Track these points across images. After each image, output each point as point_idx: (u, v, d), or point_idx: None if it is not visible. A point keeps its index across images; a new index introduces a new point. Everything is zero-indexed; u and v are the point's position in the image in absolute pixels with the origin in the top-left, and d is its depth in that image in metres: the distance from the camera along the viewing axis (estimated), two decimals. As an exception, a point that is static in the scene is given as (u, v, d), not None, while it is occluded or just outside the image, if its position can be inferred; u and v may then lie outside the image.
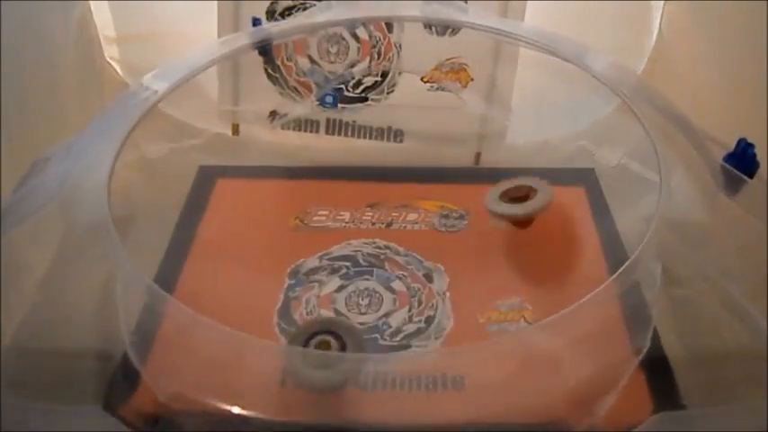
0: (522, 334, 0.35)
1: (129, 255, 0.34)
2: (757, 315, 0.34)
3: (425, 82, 0.49)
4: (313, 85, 0.50)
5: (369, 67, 0.49)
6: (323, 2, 0.47)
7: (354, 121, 0.50)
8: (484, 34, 0.46)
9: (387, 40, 0.48)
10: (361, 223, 0.46)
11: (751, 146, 0.37)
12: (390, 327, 0.39)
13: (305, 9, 0.47)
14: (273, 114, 0.50)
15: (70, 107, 0.49)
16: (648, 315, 0.33)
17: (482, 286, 0.41)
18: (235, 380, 0.31)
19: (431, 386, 0.34)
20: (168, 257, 0.43)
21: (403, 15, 0.47)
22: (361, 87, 0.50)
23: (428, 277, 0.42)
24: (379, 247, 0.44)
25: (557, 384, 0.31)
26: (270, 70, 0.49)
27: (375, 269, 0.42)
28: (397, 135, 0.50)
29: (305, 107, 0.50)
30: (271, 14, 0.48)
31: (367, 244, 0.44)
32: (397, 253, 0.43)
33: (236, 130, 0.52)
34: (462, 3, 0.46)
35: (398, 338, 0.38)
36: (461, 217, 0.46)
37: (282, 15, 0.48)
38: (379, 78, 0.49)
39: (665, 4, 0.53)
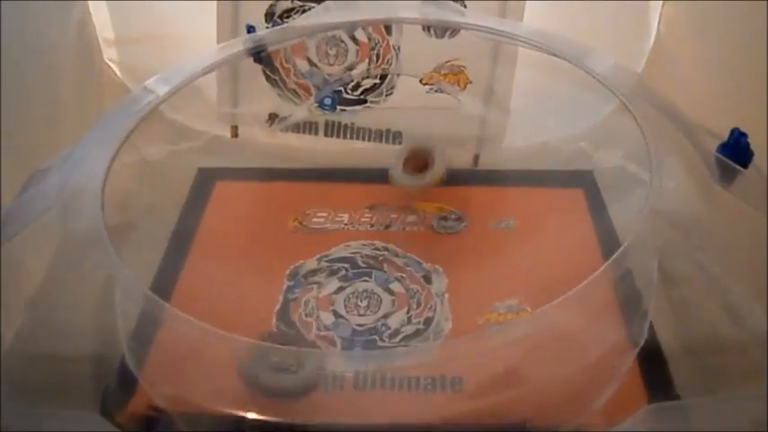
0: (519, 323, 0.35)
1: (127, 258, 0.34)
2: (754, 306, 0.35)
3: (424, 84, 0.49)
4: (312, 88, 0.50)
5: (367, 69, 0.49)
6: (321, 4, 0.47)
7: (353, 124, 0.50)
8: (482, 36, 0.46)
9: (385, 42, 0.49)
10: (359, 225, 0.46)
11: (744, 135, 0.37)
12: (389, 328, 0.39)
13: (304, 11, 0.48)
14: (272, 117, 0.51)
15: (69, 110, 0.49)
16: (644, 309, 0.33)
17: (481, 288, 0.41)
18: (232, 383, 0.31)
19: (429, 386, 0.34)
20: (167, 260, 0.43)
21: (401, 17, 0.47)
22: (360, 89, 0.50)
23: (427, 279, 0.42)
24: (378, 249, 0.44)
25: (554, 376, 0.32)
26: (268, 73, 0.50)
27: (374, 271, 0.43)
28: (396, 137, 0.50)
29: (304, 109, 0.50)
30: (269, 17, 0.49)
31: (366, 246, 0.44)
32: (396, 254, 0.44)
33: (235, 132, 0.52)
34: (460, 6, 0.47)
35: (397, 340, 0.39)
36: (460, 219, 0.46)
37: (281, 18, 0.48)
38: (377, 81, 0.50)
39: (663, 5, 0.53)
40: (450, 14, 0.46)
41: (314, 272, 0.42)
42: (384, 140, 0.50)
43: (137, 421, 0.33)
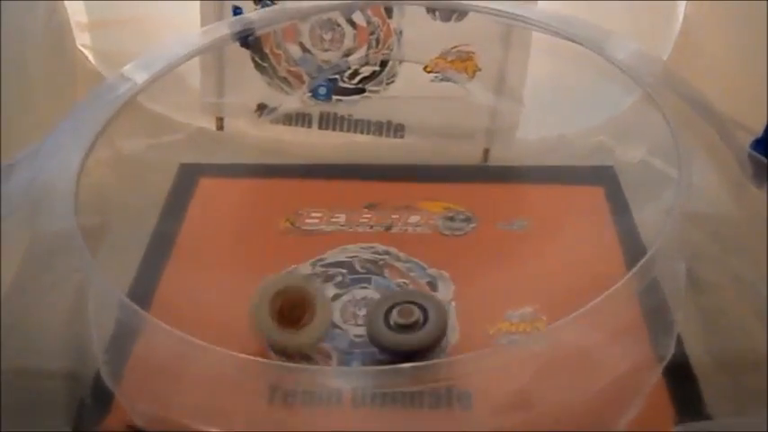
0: (534, 339, 0.35)
1: (103, 263, 0.34)
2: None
3: (429, 72, 0.49)
4: (305, 76, 0.50)
5: (366, 55, 0.49)
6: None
7: (350, 115, 0.51)
8: (493, 19, 0.46)
9: (386, 25, 0.48)
10: (357, 226, 0.46)
11: (781, 130, 0.37)
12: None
13: (295, -9, 0.48)
14: (261, 107, 0.51)
15: (38, 100, 0.49)
16: (671, 319, 0.33)
17: (491, 295, 0.41)
18: (218, 400, 0.31)
19: (434, 402, 0.35)
20: (145, 265, 0.43)
21: (404, -2, 0.47)
22: (358, 78, 0.50)
23: (432, 285, 0.42)
24: (378, 253, 0.44)
25: (573, 394, 0.32)
26: (257, 59, 0.50)
27: (373, 277, 0.42)
28: (398, 130, 0.50)
29: (296, 100, 0.50)
30: (258, -1, 0.49)
31: (364, 249, 0.44)
32: (398, 259, 0.43)
33: (220, 124, 0.52)
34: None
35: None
36: (468, 219, 0.46)
37: (271, -1, 0.49)
38: (377, 68, 0.50)
39: (691, -15, 0.53)
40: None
41: (307, 278, 0.42)
42: (385, 133, 0.51)
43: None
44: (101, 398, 0.34)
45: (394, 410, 0.34)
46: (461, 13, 0.47)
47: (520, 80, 0.49)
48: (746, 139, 0.38)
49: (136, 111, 0.47)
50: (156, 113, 0.52)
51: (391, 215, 0.46)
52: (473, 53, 0.48)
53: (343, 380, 0.34)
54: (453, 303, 0.40)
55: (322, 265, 0.43)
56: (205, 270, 0.43)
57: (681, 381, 0.35)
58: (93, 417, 0.34)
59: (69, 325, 0.34)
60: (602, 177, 0.48)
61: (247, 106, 0.51)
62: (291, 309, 0.37)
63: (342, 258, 0.44)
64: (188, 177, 0.50)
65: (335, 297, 0.41)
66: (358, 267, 0.43)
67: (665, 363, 0.32)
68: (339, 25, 0.49)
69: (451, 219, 0.46)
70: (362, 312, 0.40)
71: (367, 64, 0.50)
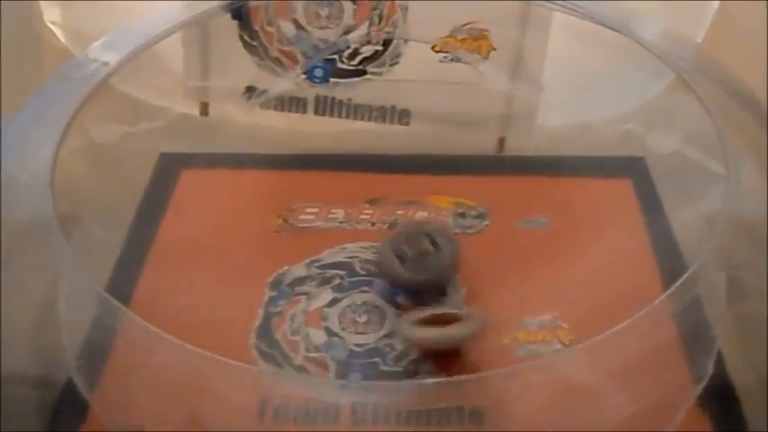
0: (557, 359, 0.35)
1: (76, 260, 0.34)
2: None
3: (437, 52, 0.49)
4: (299, 56, 0.50)
5: (367, 33, 0.49)
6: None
7: (350, 100, 0.50)
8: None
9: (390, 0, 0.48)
10: (358, 223, 0.46)
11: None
12: (394, 350, 0.39)
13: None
14: (250, 91, 0.51)
15: (2, 81, 0.49)
16: (711, 336, 0.33)
17: (507, 300, 0.41)
18: (203, 410, 0.31)
19: (443, 420, 0.34)
20: (122, 265, 0.43)
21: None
22: (359, 58, 0.50)
23: (440, 289, 0.41)
24: None
25: (600, 421, 0.31)
26: (246, 38, 0.50)
27: (375, 279, 0.42)
28: (403, 116, 0.50)
29: (289, 82, 0.50)
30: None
31: (365, 249, 0.44)
32: None
33: (204, 109, 0.52)
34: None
35: (404, 363, 0.38)
36: (481, 216, 0.46)
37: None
38: (380, 47, 0.50)
39: (728, -38, 0.53)
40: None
41: (302, 280, 0.42)
42: (388, 120, 0.50)
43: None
44: (74, 406, 0.34)
45: (398, 429, 0.34)
46: (474, -13, 0.47)
47: (539, 61, 0.49)
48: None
49: (109, 94, 0.47)
50: (133, 97, 0.52)
51: (395, 211, 0.46)
52: (487, 31, 0.48)
53: (341, 394, 0.34)
54: (465, 309, 0.40)
55: (318, 267, 0.43)
56: (189, 269, 0.43)
57: (721, 403, 0.35)
58: (65, 426, 0.34)
59: (38, 326, 0.35)
60: (632, 169, 0.48)
61: (235, 89, 0.51)
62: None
63: (340, 259, 0.43)
64: (169, 169, 0.50)
65: (333, 302, 0.41)
66: (358, 269, 0.43)
67: (702, 384, 0.32)
68: (337, 0, 0.49)
69: (463, 215, 0.46)
70: (363, 319, 0.40)
71: (368, 43, 0.49)
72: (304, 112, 0.51)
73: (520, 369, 0.32)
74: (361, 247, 0.44)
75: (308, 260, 0.43)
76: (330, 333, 0.39)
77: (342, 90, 0.50)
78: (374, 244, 0.44)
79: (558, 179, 0.49)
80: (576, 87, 0.52)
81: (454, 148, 0.51)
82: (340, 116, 0.51)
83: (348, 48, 0.50)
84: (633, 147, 0.50)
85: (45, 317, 0.34)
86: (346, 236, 0.45)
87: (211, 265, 0.43)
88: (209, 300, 0.41)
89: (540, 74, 0.49)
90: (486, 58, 0.49)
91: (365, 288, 0.42)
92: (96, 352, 0.34)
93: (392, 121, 0.50)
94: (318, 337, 0.39)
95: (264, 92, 0.50)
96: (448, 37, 0.48)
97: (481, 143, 0.51)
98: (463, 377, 0.32)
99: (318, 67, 0.50)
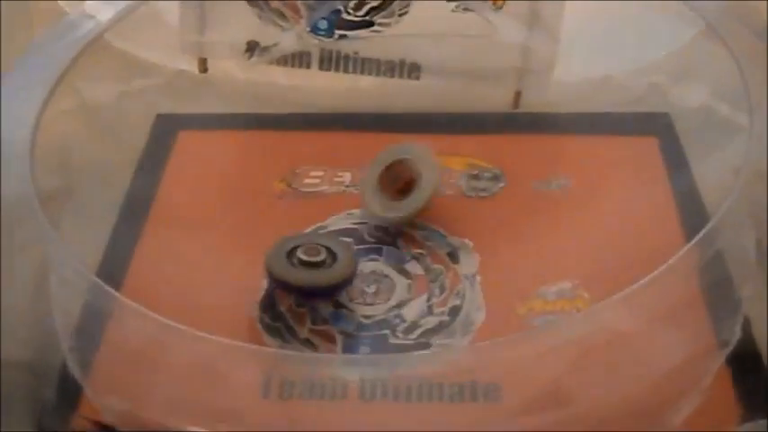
0: (575, 321, 0.35)
1: (67, 234, 0.36)
2: None
3: (448, 1, 0.48)
4: (302, 8, 0.49)
5: (374, -21, 0.50)
6: None
7: (356, 53, 0.50)
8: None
9: (397, -54, 0.49)
10: None
11: None
12: (404, 321, 0.39)
13: None
14: (252, 46, 0.50)
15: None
16: (738, 298, 0.33)
17: (523, 267, 0.41)
18: (202, 394, 0.31)
19: (455, 396, 0.34)
20: (116, 235, 0.43)
21: None
22: (365, 9, 0.49)
23: (453, 256, 0.42)
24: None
25: (619, 388, 0.31)
26: (246, -12, 0.49)
27: (384, 247, 0.42)
28: (412, 71, 0.50)
29: (292, 36, 0.50)
30: None
31: None
32: (412, 226, 0.43)
33: (203, 66, 0.52)
34: None
35: (415, 336, 0.38)
36: (496, 177, 0.46)
37: None
38: (388, -4, 0.50)
39: None
40: None
41: (307, 248, 0.42)
42: (397, 75, 0.50)
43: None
44: (67, 393, 0.34)
45: (408, 404, 0.34)
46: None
47: (557, 10, 0.48)
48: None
49: (103, 51, 0.47)
50: (128, 55, 0.52)
51: None
52: (500, -22, 0.48)
53: (350, 369, 0.34)
54: (478, 277, 0.40)
55: (324, 234, 0.43)
56: (187, 240, 0.43)
57: (748, 371, 0.35)
58: (58, 414, 0.34)
59: (29, 309, 0.34)
60: (656, 126, 0.48)
61: (235, 45, 0.50)
62: (393, 178, 0.42)
63: (347, 225, 0.43)
64: (166, 130, 0.50)
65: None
66: (366, 236, 0.43)
67: (728, 350, 0.32)
68: (341, -55, 0.49)
69: (476, 177, 0.46)
70: (372, 289, 0.40)
71: (375, -10, 0.49)
72: (308, 67, 0.50)
73: (534, 333, 0.34)
74: (370, 213, 0.44)
75: (312, 226, 0.43)
76: (337, 305, 0.39)
77: (348, 44, 0.50)
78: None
79: (577, 137, 0.49)
80: (597, 38, 0.51)
81: (467, 104, 0.50)
82: (346, 71, 0.50)
83: (354, -4, 0.49)
84: (658, 102, 0.50)
85: (37, 297, 0.34)
86: (353, 201, 0.44)
87: (211, 234, 0.43)
88: (209, 270, 0.41)
89: (557, 24, 0.48)
90: (500, 7, 0.48)
91: (374, 256, 0.42)
92: (90, 334, 0.34)
93: (401, 76, 0.50)
94: (325, 308, 0.39)
95: (267, 47, 0.50)
96: (459, -16, 0.49)
97: (496, 99, 0.50)
98: (479, 345, 0.33)
99: (323, 19, 0.49)
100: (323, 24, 0.50)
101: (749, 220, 0.34)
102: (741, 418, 0.33)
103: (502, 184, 0.46)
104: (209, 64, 0.52)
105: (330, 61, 0.50)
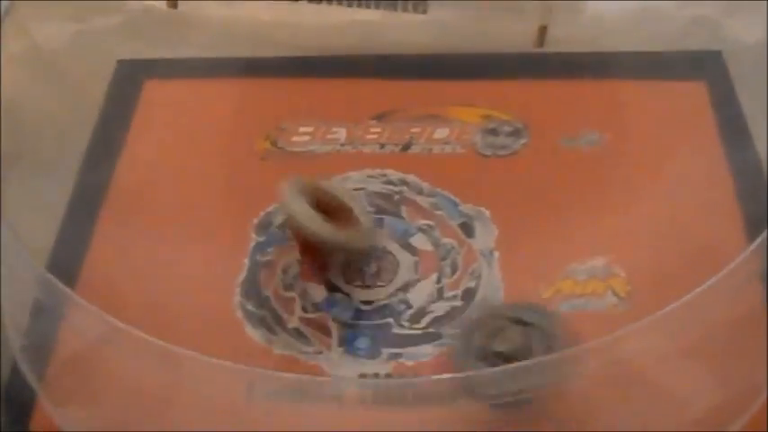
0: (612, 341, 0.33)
1: (14, 209, 0.33)
2: None
3: None
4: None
5: None
6: None
7: (352, -19, 0.49)
8: None
9: None
10: (363, 145, 0.45)
11: None
12: (410, 306, 0.38)
13: None
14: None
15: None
16: None
17: (548, 241, 0.40)
18: (169, 402, 0.31)
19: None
20: (73, 208, 0.43)
21: None
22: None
23: (467, 228, 0.41)
24: (392, 183, 0.43)
25: (666, 412, 0.31)
26: None
27: (386, 217, 0.42)
28: (418, 2, 0.49)
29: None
30: None
31: (374, 177, 0.44)
32: (420, 191, 0.43)
33: (173, 2, 0.51)
34: None
35: (422, 324, 0.38)
36: (517, 132, 0.45)
37: None
38: None
39: None
40: None
41: (296, 220, 0.42)
42: (400, 8, 0.49)
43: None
44: (20, 399, 0.34)
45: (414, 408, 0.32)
46: None
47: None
48: None
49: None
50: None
51: (410, 129, 0.46)
52: None
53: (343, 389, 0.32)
54: (496, 253, 0.40)
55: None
56: (153, 215, 0.42)
57: None
58: (10, 421, 0.34)
59: None
60: (705, 67, 0.47)
61: (209, -26, 0.49)
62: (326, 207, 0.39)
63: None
64: (129, 79, 0.49)
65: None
66: (365, 203, 0.42)
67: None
68: None
69: (493, 132, 0.45)
70: (372, 269, 0.40)
71: None
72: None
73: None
74: (368, 176, 0.43)
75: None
76: (332, 288, 0.39)
77: (342, -29, 0.49)
78: (385, 171, 0.43)
79: (611, 83, 0.48)
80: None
81: (483, 43, 0.49)
82: (340, 3, 0.49)
83: None
84: (707, 38, 0.49)
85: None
86: (349, 161, 0.44)
87: (183, 205, 0.43)
88: (180, 249, 0.40)
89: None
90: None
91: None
92: (43, 334, 0.34)
93: (405, 9, 0.49)
94: (318, 292, 0.39)
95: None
96: None
97: (516, 36, 0.49)
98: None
99: (312, -61, 0.49)
100: (313, -52, 0.49)
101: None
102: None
103: (524, 141, 0.45)
104: (180, -2, 0.50)
105: (322, -9, 0.49)
